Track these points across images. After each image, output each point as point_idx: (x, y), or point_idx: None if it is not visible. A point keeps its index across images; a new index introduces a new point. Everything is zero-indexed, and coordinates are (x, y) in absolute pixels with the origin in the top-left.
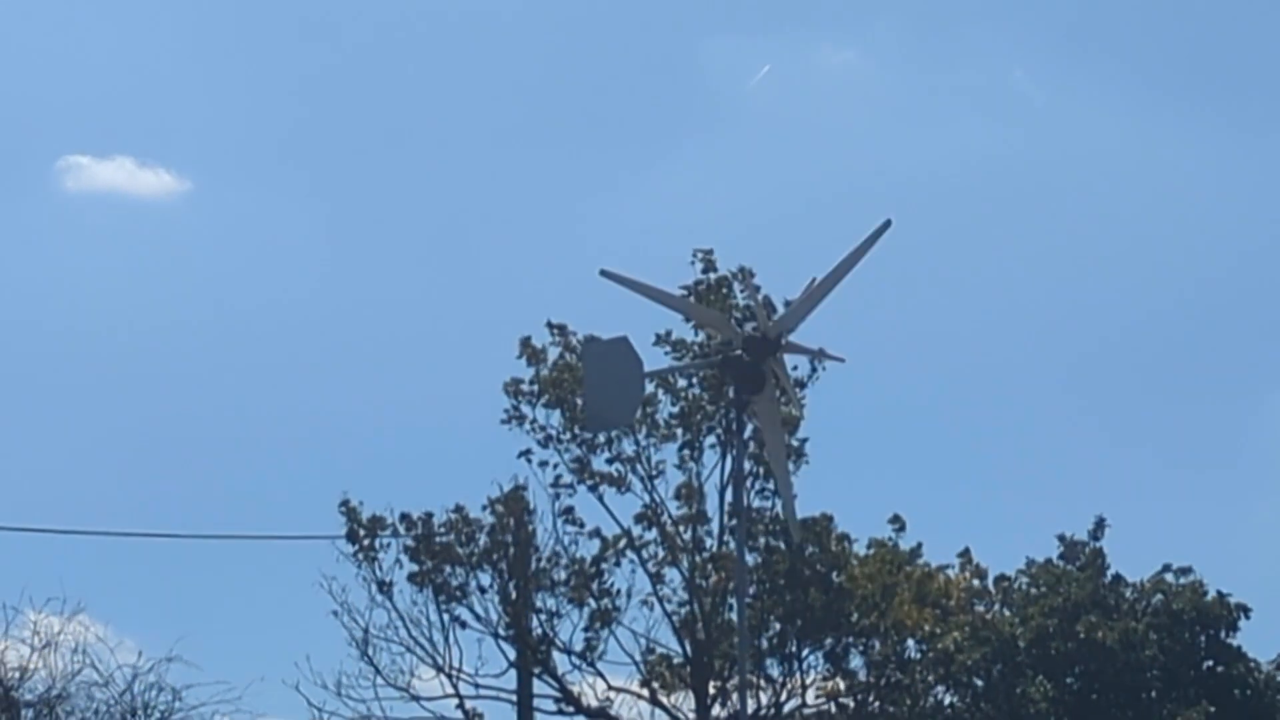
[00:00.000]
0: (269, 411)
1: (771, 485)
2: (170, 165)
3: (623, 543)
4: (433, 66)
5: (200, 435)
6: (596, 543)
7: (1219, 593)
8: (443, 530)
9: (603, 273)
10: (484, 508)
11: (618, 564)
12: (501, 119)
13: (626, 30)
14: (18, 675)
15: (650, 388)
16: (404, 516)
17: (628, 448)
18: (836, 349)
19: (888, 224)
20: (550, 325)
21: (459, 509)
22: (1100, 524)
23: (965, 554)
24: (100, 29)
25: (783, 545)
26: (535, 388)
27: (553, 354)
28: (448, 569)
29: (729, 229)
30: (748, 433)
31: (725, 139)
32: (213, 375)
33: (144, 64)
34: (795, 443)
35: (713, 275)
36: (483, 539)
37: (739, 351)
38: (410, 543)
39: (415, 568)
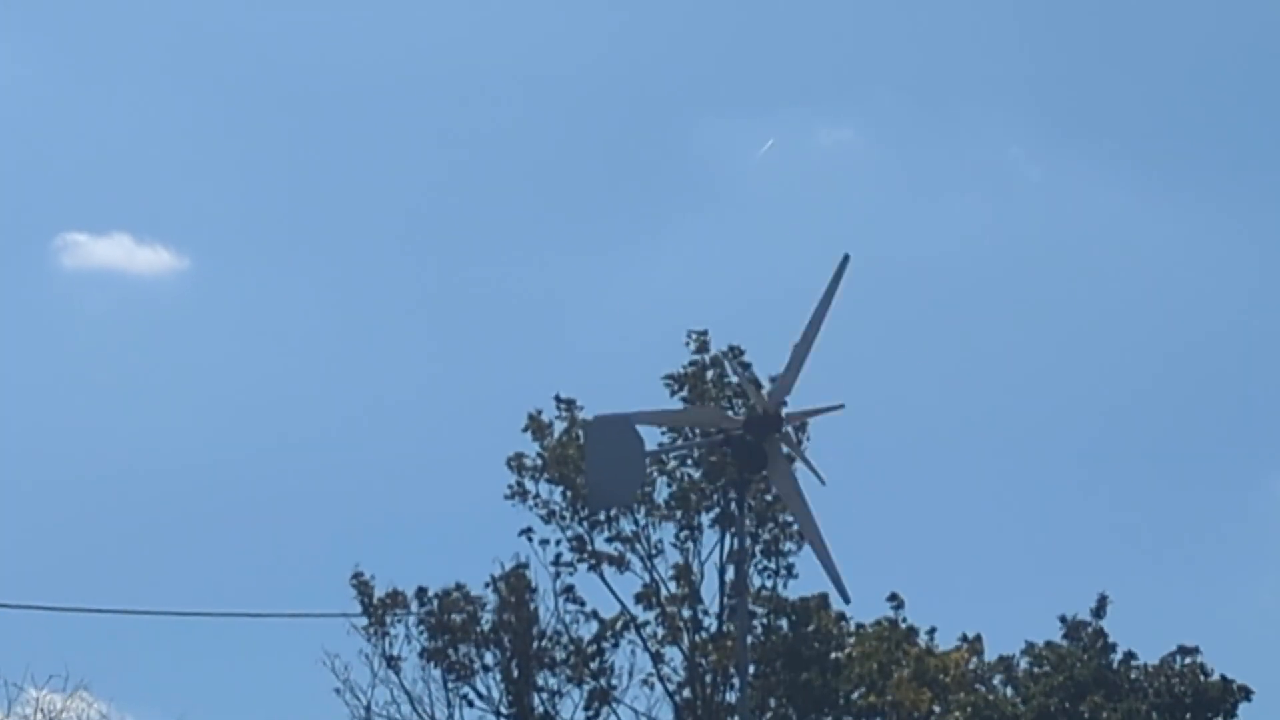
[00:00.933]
0: (268, 488)
1: (772, 564)
2: (168, 242)
3: (621, 623)
4: (431, 143)
5: (201, 512)
6: (596, 622)
7: (1222, 676)
8: (455, 606)
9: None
10: (486, 585)
11: (616, 644)
12: (500, 195)
13: (623, 109)
14: None
15: (648, 469)
16: (420, 591)
17: (627, 527)
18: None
19: (846, 259)
20: (558, 400)
21: (460, 587)
22: (1103, 602)
23: (973, 639)
24: (95, 106)
25: (784, 624)
26: (540, 462)
27: (559, 429)
28: (459, 647)
29: (725, 307)
30: (750, 516)
31: (722, 217)
32: (215, 453)
33: (141, 141)
34: (789, 519)
35: (706, 356)
36: (488, 618)
37: (740, 432)
38: (425, 617)
39: (427, 644)
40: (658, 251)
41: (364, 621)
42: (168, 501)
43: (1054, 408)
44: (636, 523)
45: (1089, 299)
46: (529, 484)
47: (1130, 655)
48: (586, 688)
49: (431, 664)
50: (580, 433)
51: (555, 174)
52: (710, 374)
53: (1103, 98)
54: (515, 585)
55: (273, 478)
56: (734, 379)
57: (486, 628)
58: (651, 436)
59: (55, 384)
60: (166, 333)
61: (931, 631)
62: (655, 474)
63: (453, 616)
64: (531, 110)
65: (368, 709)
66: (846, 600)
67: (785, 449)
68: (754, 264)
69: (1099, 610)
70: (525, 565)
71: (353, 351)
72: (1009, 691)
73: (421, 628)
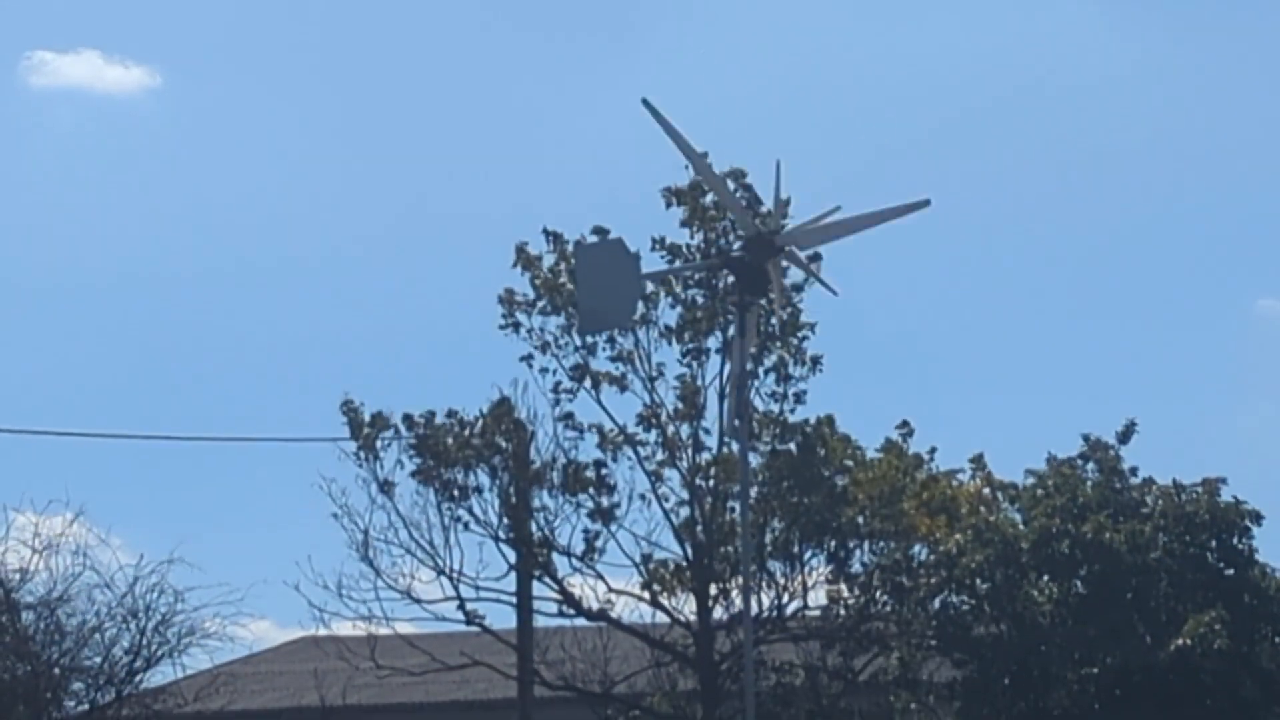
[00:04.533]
0: (263, 314)
1: (781, 388)
2: (140, 59)
3: (621, 439)
4: None
5: (195, 338)
6: (596, 441)
7: (1234, 498)
8: (444, 431)
9: (644, 102)
10: (479, 415)
11: (615, 459)
12: (482, 15)
13: None
14: (18, 577)
15: (651, 288)
16: (406, 417)
17: (628, 345)
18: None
19: (926, 203)
20: (546, 232)
21: (453, 413)
22: (1130, 427)
23: (977, 459)
24: None
25: (793, 448)
26: (532, 295)
27: (548, 262)
28: (448, 469)
29: (715, 124)
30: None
31: (703, 32)
32: (202, 277)
33: None
34: (807, 346)
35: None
36: (475, 439)
37: (738, 252)
38: (413, 440)
39: (418, 465)
40: (644, 71)
41: (353, 446)
42: (160, 326)
43: (1059, 227)
44: (638, 342)
45: (1091, 116)
46: (521, 316)
47: (1135, 474)
48: (586, 508)
49: (425, 486)
50: (572, 260)
51: None
52: (709, 197)
53: None
54: (507, 409)
55: (265, 305)
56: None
57: (476, 447)
58: (650, 262)
59: (26, 207)
60: (140, 153)
61: (932, 451)
62: (661, 295)
63: (440, 439)
64: None
65: (365, 533)
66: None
67: (792, 267)
68: (735, 78)
69: (1125, 436)
70: (508, 399)
71: (332, 174)
72: (1013, 514)
73: (411, 450)
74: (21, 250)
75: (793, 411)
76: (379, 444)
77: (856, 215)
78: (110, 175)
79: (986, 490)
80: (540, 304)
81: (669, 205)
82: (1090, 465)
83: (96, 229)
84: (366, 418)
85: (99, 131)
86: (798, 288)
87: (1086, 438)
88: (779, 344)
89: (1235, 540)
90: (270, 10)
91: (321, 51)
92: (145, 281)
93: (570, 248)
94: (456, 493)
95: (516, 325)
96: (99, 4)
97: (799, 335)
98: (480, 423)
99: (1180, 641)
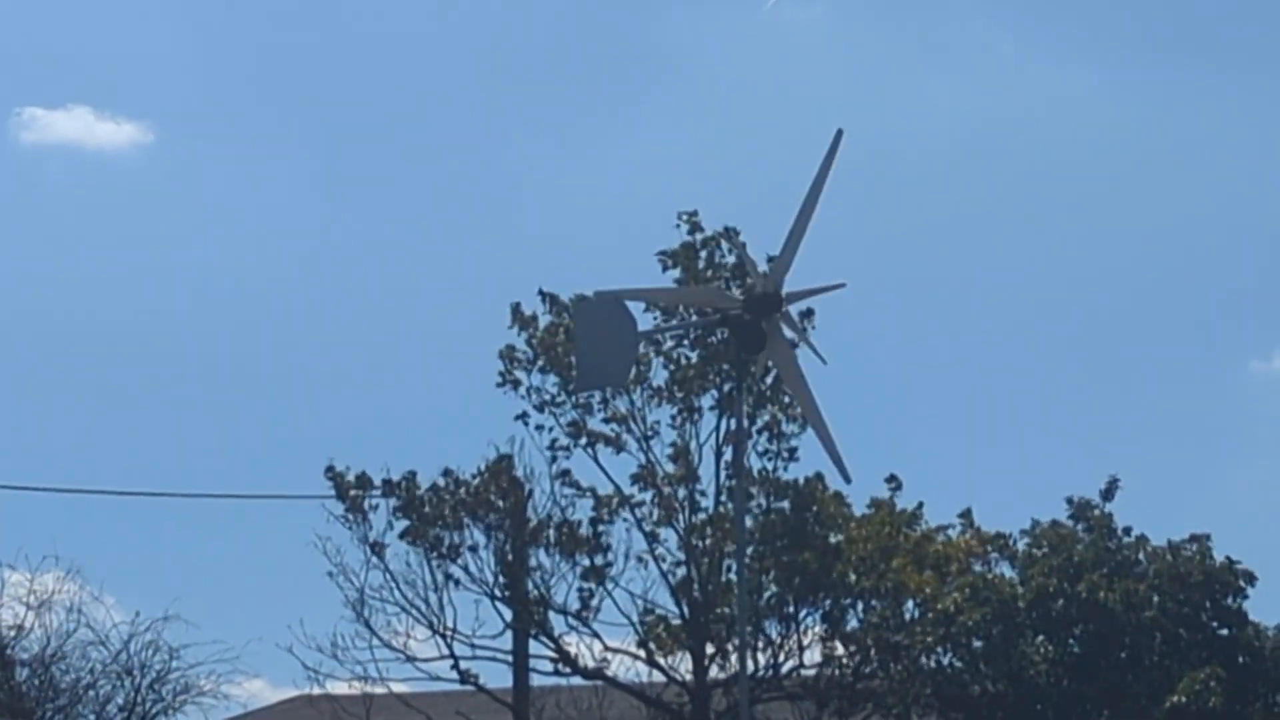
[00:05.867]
0: (257, 370)
1: (772, 447)
2: (131, 115)
3: (616, 500)
4: (409, 19)
5: (189, 393)
6: (592, 498)
7: (1227, 558)
8: (430, 491)
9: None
10: (476, 474)
11: (611, 521)
12: (474, 80)
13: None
14: (13, 634)
15: (642, 349)
16: (386, 482)
17: (622, 407)
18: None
19: (839, 135)
20: (542, 293)
21: (448, 473)
22: (1113, 484)
23: (966, 515)
24: None
25: (786, 506)
26: (530, 353)
27: (544, 322)
28: (437, 528)
29: (706, 190)
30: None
31: (694, 98)
32: (194, 333)
33: (98, 8)
34: (789, 399)
35: (699, 236)
36: (469, 497)
37: (739, 311)
38: (397, 502)
39: (405, 526)
40: (635, 136)
41: (340, 508)
42: (144, 383)
43: (1053, 283)
44: (633, 403)
45: (1083, 178)
46: (520, 374)
47: (1129, 534)
48: (582, 566)
49: (411, 544)
50: (569, 318)
51: (527, 58)
52: (703, 254)
53: None
54: (505, 467)
55: (260, 364)
56: (729, 260)
57: (467, 504)
58: (645, 321)
59: (18, 262)
60: (132, 209)
61: (919, 506)
62: (652, 355)
63: (433, 500)
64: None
65: (361, 592)
66: (847, 480)
67: (787, 330)
68: (729, 145)
69: (1108, 493)
70: (508, 456)
71: (325, 231)
72: (1007, 571)
73: (398, 511)
74: (12, 305)
75: (785, 469)
76: (367, 505)
77: (802, 200)
78: (102, 231)
79: (976, 545)
80: (539, 362)
81: (665, 269)
82: (1080, 526)
83: (87, 284)
84: (352, 479)
85: (91, 188)
86: (794, 344)
87: (1070, 500)
88: (771, 403)
89: (1229, 600)
90: (263, 67)
91: (315, 107)
92: (137, 337)
93: (569, 307)
94: (445, 550)
95: (516, 382)
96: (90, 60)
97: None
98: (477, 480)
99: (1175, 699)
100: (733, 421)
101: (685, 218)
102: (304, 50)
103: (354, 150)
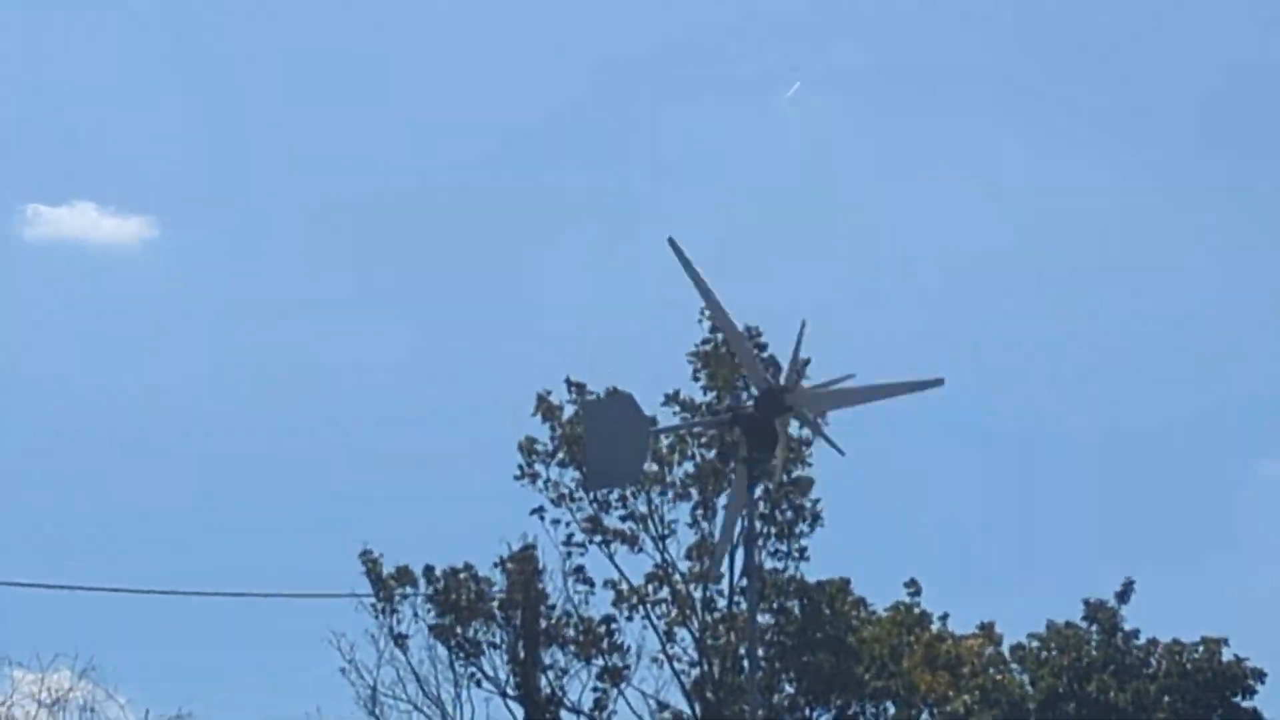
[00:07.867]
0: (270, 466)
1: (784, 547)
2: (136, 210)
3: (634, 598)
4: (421, 112)
5: (200, 491)
6: (608, 598)
7: (1236, 656)
8: (462, 585)
9: (670, 242)
10: (495, 565)
11: (630, 618)
12: (478, 173)
13: (587, 97)
14: None
15: (665, 444)
16: (428, 570)
17: (640, 506)
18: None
19: (940, 381)
20: (569, 382)
21: (468, 567)
22: (1128, 586)
23: (987, 628)
24: (50, 70)
25: (795, 607)
26: (551, 445)
27: (569, 411)
28: (468, 624)
29: (728, 285)
30: (758, 492)
31: (719, 191)
32: (207, 430)
33: (101, 104)
34: (808, 503)
35: (720, 334)
36: (496, 597)
37: (749, 407)
38: (434, 595)
39: (436, 621)
40: (648, 234)
41: (372, 599)
42: (155, 482)
43: (1055, 397)
44: (650, 501)
45: (1088, 285)
46: (540, 467)
47: (1135, 635)
48: (595, 667)
49: (439, 642)
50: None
51: (543, 157)
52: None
53: (1087, 83)
54: (523, 563)
55: (272, 456)
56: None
57: (494, 605)
58: (663, 417)
59: (23, 360)
60: (138, 304)
61: (944, 617)
62: (669, 451)
63: (461, 594)
64: (511, 96)
65: (374, 689)
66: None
67: (800, 425)
68: (752, 239)
69: (1124, 595)
70: (533, 545)
71: (341, 323)
72: (1019, 674)
73: (429, 606)
74: (20, 403)
75: (798, 568)
76: (397, 597)
77: (870, 385)
78: (108, 327)
79: (991, 649)
80: (559, 455)
81: (695, 375)
82: (1093, 627)
83: (94, 381)
84: (385, 570)
85: (96, 283)
86: (806, 443)
87: (1087, 602)
88: (784, 502)
89: (1239, 698)
90: (268, 160)
91: (324, 199)
92: (149, 434)
93: (590, 396)
94: (469, 648)
95: (534, 476)
96: (93, 155)
97: (803, 494)
98: (500, 577)
99: None
100: (745, 519)
101: (707, 314)
102: (310, 141)
103: (365, 240)
